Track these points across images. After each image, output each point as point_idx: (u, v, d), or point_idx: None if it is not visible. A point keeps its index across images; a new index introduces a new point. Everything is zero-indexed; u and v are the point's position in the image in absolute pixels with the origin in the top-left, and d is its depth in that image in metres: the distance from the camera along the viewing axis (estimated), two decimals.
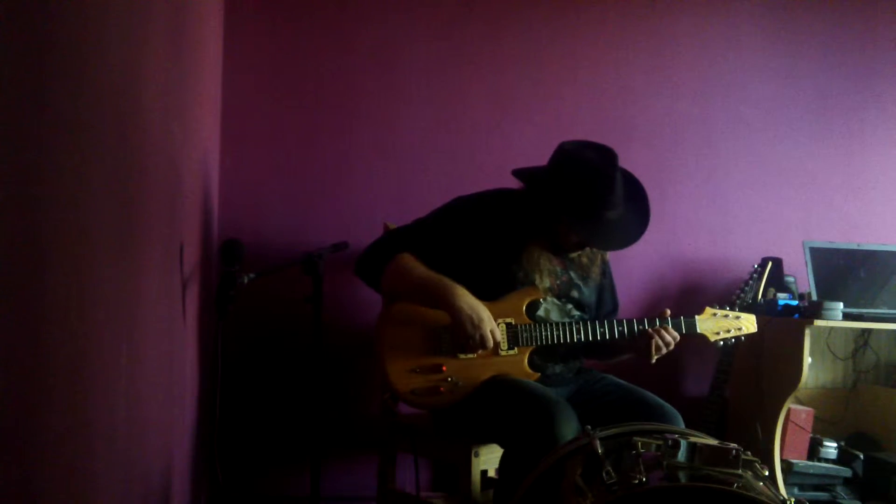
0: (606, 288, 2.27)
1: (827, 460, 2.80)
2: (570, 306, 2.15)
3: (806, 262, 2.81)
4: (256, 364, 2.72)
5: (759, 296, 2.70)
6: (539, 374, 2.06)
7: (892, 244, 3.00)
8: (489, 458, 2.10)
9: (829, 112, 3.19)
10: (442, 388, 2.03)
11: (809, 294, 2.80)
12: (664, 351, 2.04)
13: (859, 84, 3.21)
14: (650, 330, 2.04)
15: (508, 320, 2.05)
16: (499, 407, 1.95)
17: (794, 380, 2.61)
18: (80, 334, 0.89)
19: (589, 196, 2.00)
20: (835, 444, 2.81)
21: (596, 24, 3.03)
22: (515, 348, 2.05)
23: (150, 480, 1.43)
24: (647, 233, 2.09)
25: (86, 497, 0.95)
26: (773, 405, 2.69)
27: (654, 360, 2.04)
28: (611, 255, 2.26)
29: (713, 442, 1.34)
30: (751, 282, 2.71)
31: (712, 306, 2.19)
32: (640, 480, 1.24)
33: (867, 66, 3.22)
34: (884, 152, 3.23)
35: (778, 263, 2.83)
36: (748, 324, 2.19)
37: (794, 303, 2.75)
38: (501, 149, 2.89)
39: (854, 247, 2.92)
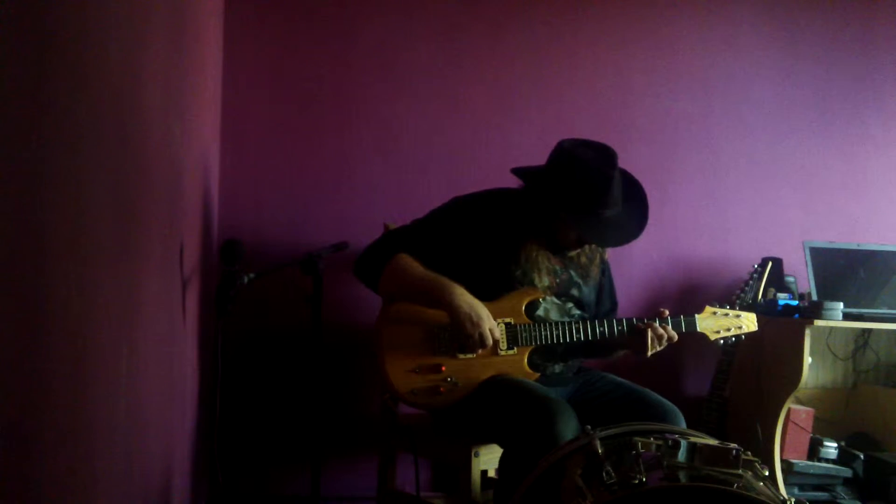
0: (605, 287, 2.27)
1: (827, 460, 2.80)
2: (569, 305, 2.15)
3: (806, 262, 2.81)
4: (256, 364, 2.72)
5: (759, 296, 2.70)
6: (539, 373, 2.06)
7: (892, 244, 3.01)
8: (489, 458, 2.10)
9: (829, 112, 3.19)
10: (441, 389, 2.03)
11: (809, 294, 2.80)
12: (658, 346, 2.04)
13: (859, 84, 3.21)
14: (640, 324, 2.04)
15: (508, 320, 2.05)
16: (498, 407, 1.95)
17: (794, 380, 2.61)
18: (80, 334, 0.89)
19: (587, 193, 2.00)
20: (835, 444, 2.81)
21: (596, 24, 3.03)
22: (515, 348, 2.05)
23: (150, 480, 1.43)
24: (647, 233, 2.09)
25: (86, 497, 0.95)
26: (773, 405, 2.69)
27: (649, 355, 2.04)
28: (611, 255, 2.26)
29: (713, 442, 1.34)
30: (751, 282, 2.71)
31: (712, 305, 2.19)
32: (640, 480, 1.24)
33: (867, 66, 3.22)
34: (884, 152, 3.23)
35: (778, 263, 2.83)
36: (748, 322, 2.19)
37: (794, 303, 2.75)
38: (501, 149, 2.89)
39: (854, 247, 2.92)
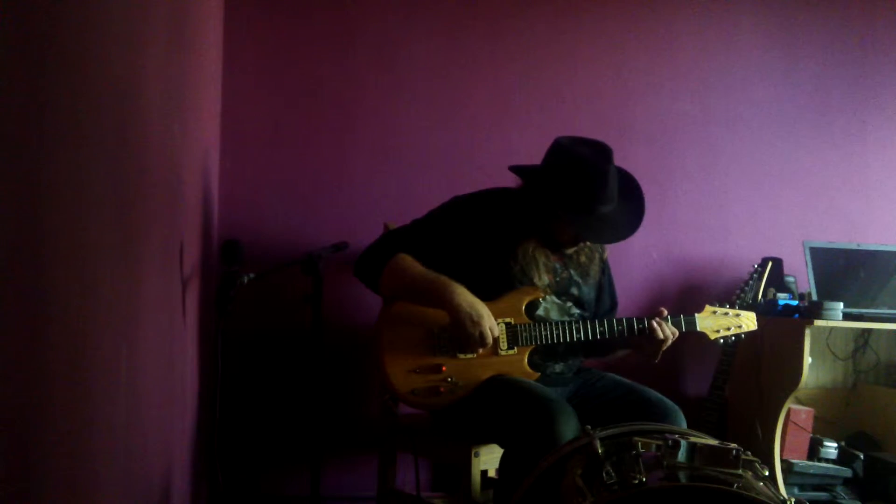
0: (605, 286, 2.27)
1: (827, 460, 2.80)
2: (569, 304, 2.15)
3: (806, 262, 2.81)
4: (256, 364, 2.72)
5: (759, 296, 2.70)
6: (539, 373, 2.06)
7: (892, 244, 3.00)
8: (489, 458, 2.10)
9: (829, 112, 3.19)
10: (442, 389, 2.02)
11: (809, 294, 2.80)
12: (663, 347, 2.06)
13: (859, 84, 3.21)
14: (652, 322, 2.04)
15: (508, 320, 2.05)
16: (498, 407, 1.95)
17: (794, 380, 2.61)
18: (80, 334, 0.89)
19: (582, 190, 2.00)
20: (835, 444, 2.81)
21: (596, 24, 3.03)
22: (515, 348, 2.05)
23: (150, 480, 1.43)
24: (647, 233, 2.10)
25: (86, 497, 0.95)
26: (773, 405, 2.69)
27: (658, 359, 2.06)
28: (611, 255, 2.26)
29: (713, 442, 1.34)
30: (751, 282, 2.71)
31: (712, 304, 2.19)
32: (640, 480, 1.24)
33: (867, 66, 3.22)
34: (884, 152, 3.23)
35: (778, 263, 2.83)
36: (748, 321, 2.19)
37: (794, 303, 2.75)
38: (501, 149, 2.89)
39: (854, 247, 2.92)
